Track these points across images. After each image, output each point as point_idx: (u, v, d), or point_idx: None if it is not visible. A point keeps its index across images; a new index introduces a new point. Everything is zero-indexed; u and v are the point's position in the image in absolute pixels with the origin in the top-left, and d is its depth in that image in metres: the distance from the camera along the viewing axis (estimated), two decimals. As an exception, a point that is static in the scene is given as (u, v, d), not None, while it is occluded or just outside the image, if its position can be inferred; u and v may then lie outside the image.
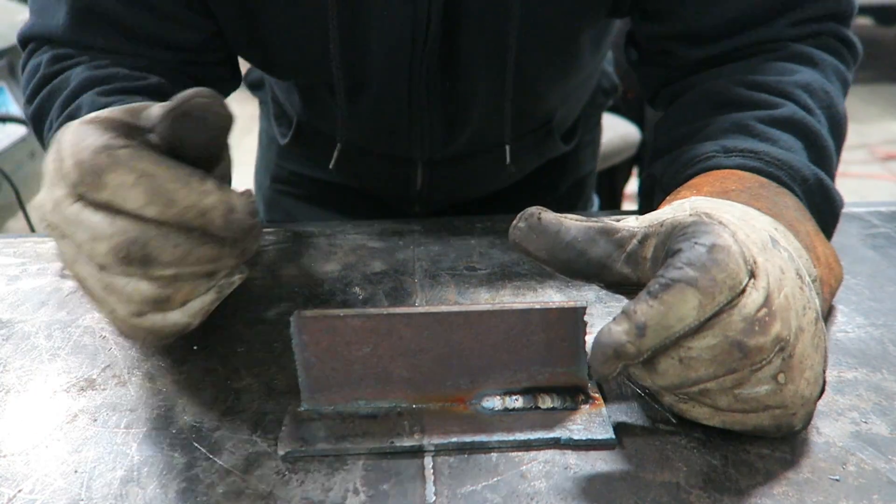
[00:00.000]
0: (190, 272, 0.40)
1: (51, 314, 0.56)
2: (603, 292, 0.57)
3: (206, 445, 0.42)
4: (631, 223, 0.42)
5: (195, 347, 0.51)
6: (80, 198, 0.40)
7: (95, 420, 0.44)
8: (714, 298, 0.36)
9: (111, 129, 0.40)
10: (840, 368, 0.48)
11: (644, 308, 0.36)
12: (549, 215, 0.41)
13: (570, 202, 1.01)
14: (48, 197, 0.41)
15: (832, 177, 0.56)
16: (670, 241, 0.39)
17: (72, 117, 0.58)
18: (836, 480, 0.39)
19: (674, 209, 0.43)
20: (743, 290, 0.37)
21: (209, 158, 0.43)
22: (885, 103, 4.75)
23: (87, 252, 0.40)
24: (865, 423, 0.43)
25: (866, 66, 4.47)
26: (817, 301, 0.42)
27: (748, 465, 0.39)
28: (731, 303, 0.37)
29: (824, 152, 0.56)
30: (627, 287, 0.42)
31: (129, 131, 0.41)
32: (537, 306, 0.42)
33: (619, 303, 0.56)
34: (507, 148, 0.77)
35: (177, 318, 0.42)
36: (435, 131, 0.76)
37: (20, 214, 1.71)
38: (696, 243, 0.37)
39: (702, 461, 0.40)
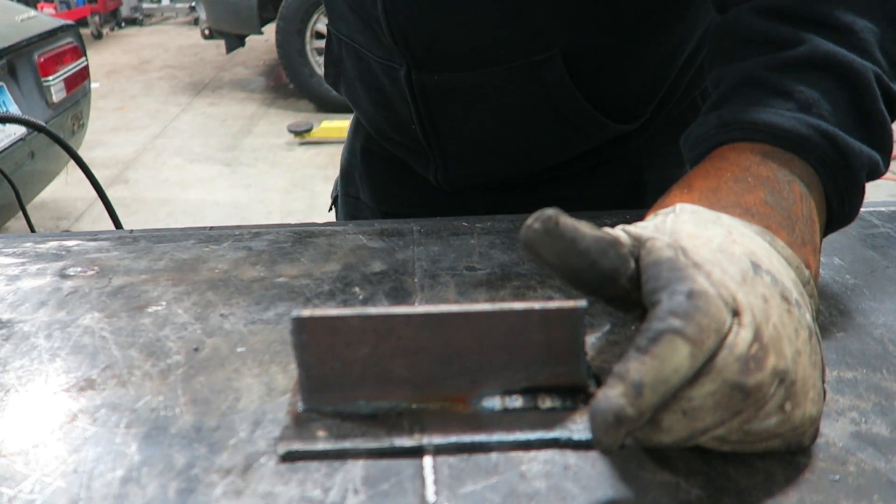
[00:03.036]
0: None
1: (51, 314, 0.56)
2: (603, 292, 0.57)
3: (206, 445, 0.42)
4: (625, 238, 0.41)
5: (195, 348, 0.51)
6: None
7: (95, 420, 0.44)
8: (703, 344, 0.36)
9: None
10: (840, 368, 0.48)
11: (636, 365, 0.35)
12: (566, 219, 0.40)
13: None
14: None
15: (875, 110, 0.50)
16: (648, 281, 0.39)
17: None
18: (836, 480, 0.39)
19: (656, 226, 0.43)
20: (729, 331, 0.37)
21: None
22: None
23: None
24: (865, 423, 0.43)
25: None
26: (808, 316, 0.41)
27: (748, 465, 0.39)
28: (721, 345, 0.36)
29: (860, 87, 0.50)
30: (627, 304, 0.42)
31: None
32: (537, 306, 0.42)
33: (619, 303, 0.56)
34: (505, 70, 0.70)
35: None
36: None
37: (20, 214, 1.70)
38: (674, 291, 0.37)
39: (702, 461, 0.40)
